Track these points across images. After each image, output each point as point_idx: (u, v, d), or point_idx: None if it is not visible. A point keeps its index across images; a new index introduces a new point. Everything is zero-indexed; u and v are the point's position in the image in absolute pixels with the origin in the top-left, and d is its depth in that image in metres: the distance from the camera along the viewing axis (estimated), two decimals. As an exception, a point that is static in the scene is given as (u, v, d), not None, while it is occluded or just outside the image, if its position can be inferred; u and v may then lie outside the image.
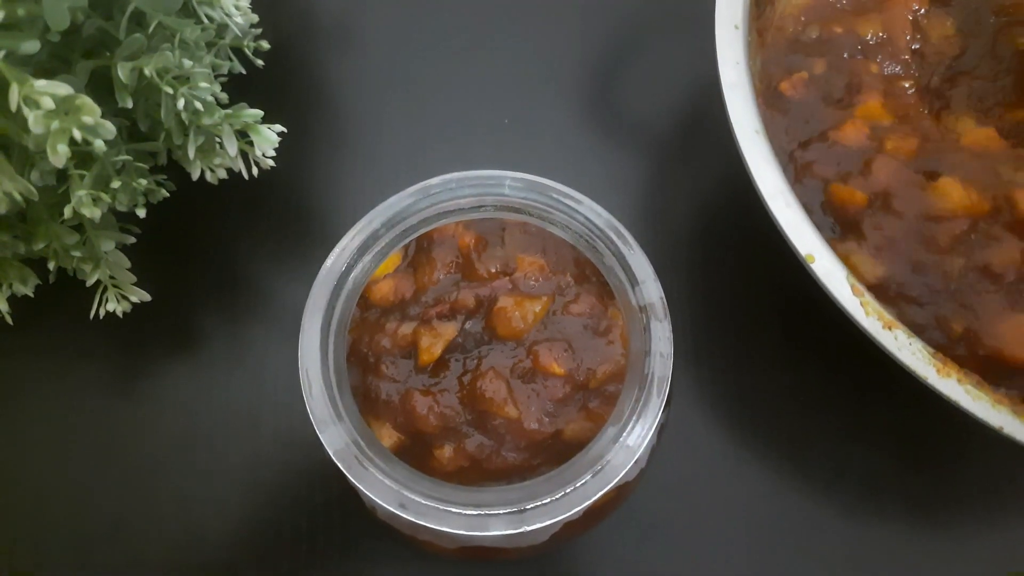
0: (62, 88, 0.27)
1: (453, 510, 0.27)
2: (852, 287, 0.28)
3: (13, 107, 0.27)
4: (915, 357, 0.28)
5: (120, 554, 0.36)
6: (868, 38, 0.37)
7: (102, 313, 0.36)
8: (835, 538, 0.37)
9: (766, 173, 0.30)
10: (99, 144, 0.27)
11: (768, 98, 0.35)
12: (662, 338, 0.29)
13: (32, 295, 0.36)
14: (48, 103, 0.27)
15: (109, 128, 0.28)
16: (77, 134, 0.27)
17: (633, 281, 0.30)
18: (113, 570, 0.36)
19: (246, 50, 0.39)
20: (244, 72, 0.39)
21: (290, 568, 0.36)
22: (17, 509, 0.37)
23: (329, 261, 0.31)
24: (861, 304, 0.28)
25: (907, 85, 0.37)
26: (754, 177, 0.30)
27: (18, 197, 0.29)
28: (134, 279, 0.37)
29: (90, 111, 0.27)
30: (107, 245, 0.35)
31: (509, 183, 0.32)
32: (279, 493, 0.37)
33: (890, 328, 0.28)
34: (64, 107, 0.27)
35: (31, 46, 0.28)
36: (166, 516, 0.37)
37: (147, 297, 0.37)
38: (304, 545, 0.37)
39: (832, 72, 0.37)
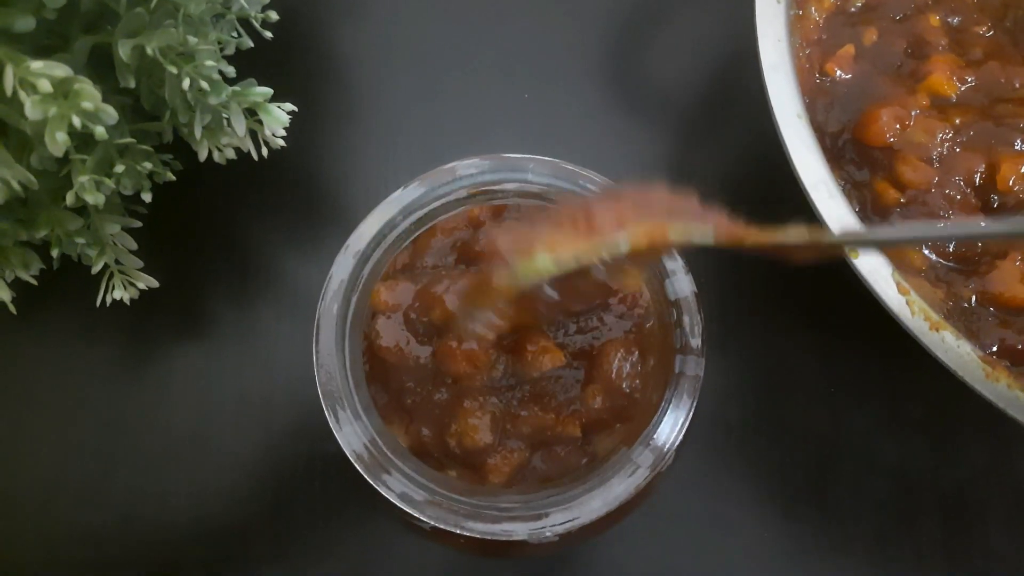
0: (59, 69, 0.25)
1: (473, 515, 0.26)
2: (898, 285, 0.27)
3: (8, 90, 0.25)
4: (962, 360, 0.26)
5: (131, 546, 0.36)
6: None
7: (108, 300, 0.35)
8: (865, 533, 0.36)
9: (808, 161, 0.28)
10: (100, 131, 0.26)
11: (810, 78, 0.33)
12: (695, 335, 0.28)
13: (36, 282, 0.35)
14: (45, 86, 0.25)
15: (110, 113, 0.26)
16: (76, 120, 0.25)
17: (664, 273, 0.29)
18: (124, 562, 0.36)
19: (254, 22, 0.37)
20: (252, 45, 0.38)
21: (304, 558, 0.36)
22: (25, 502, 0.36)
23: (344, 251, 0.29)
24: (907, 303, 0.26)
25: (982, 31, 0.35)
26: (795, 165, 0.28)
27: (16, 186, 0.28)
28: (141, 264, 0.36)
29: (89, 96, 0.25)
30: (112, 228, 0.34)
31: (533, 168, 0.30)
32: (293, 482, 0.37)
33: (937, 329, 0.26)
34: (62, 89, 0.26)
35: (25, 23, 0.26)
36: (178, 507, 0.36)
37: (154, 283, 0.36)
38: (319, 534, 0.36)
39: (887, 38, 0.35)
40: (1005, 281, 0.31)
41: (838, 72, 0.34)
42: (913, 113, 0.32)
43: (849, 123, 0.33)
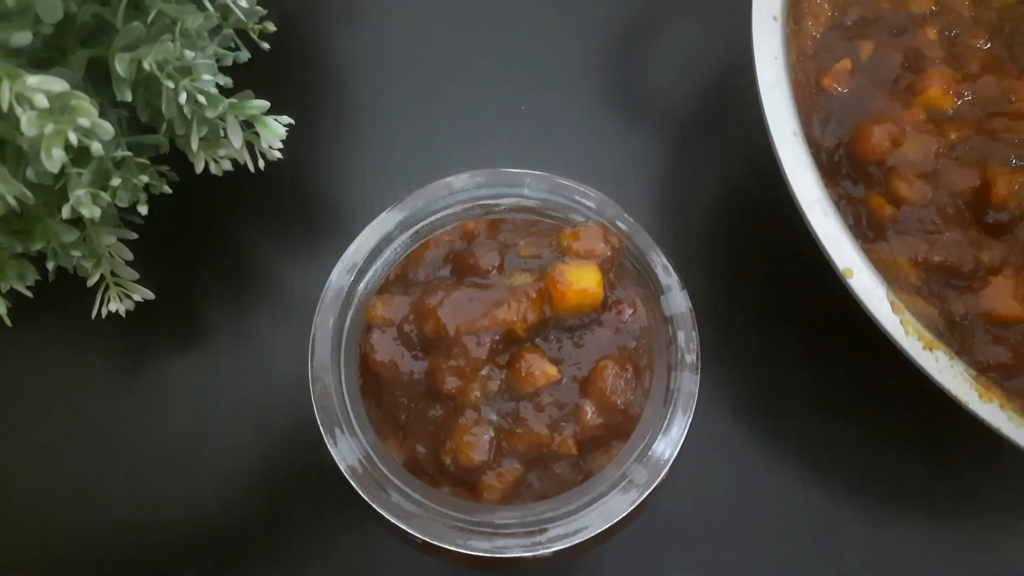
0: (56, 84, 0.25)
1: (468, 531, 0.26)
2: (892, 304, 0.27)
3: (4, 105, 0.25)
4: (956, 380, 0.26)
5: (127, 553, 0.36)
6: (920, 13, 0.36)
7: (104, 312, 0.35)
8: (858, 545, 0.36)
9: (803, 179, 0.28)
10: (96, 146, 0.26)
11: (806, 93, 0.33)
12: (690, 351, 0.28)
13: (31, 294, 0.35)
14: (42, 101, 0.25)
15: (107, 128, 0.26)
16: (73, 136, 0.25)
17: (659, 289, 0.29)
18: (120, 569, 0.36)
19: (251, 33, 0.37)
20: (249, 57, 0.38)
21: (298, 567, 0.36)
22: (23, 511, 0.36)
23: (340, 264, 0.29)
24: (901, 323, 0.26)
25: (978, 44, 0.35)
26: (791, 184, 0.28)
27: (12, 201, 0.28)
28: (136, 276, 0.36)
29: (86, 112, 0.25)
30: (108, 240, 0.34)
31: (529, 183, 0.30)
32: (288, 491, 0.37)
33: (931, 349, 0.26)
34: (59, 105, 0.26)
35: (22, 38, 0.26)
36: (174, 515, 0.36)
37: (150, 295, 0.36)
38: (313, 543, 0.36)
39: (884, 52, 0.35)
40: (998, 296, 0.31)
41: (835, 86, 0.34)
42: (906, 129, 0.32)
43: (845, 138, 0.33)
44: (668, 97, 0.44)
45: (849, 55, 0.35)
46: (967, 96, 0.35)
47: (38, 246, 0.32)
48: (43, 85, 0.25)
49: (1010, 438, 0.26)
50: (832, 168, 0.33)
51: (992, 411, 0.27)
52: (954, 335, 0.31)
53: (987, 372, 0.30)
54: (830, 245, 0.28)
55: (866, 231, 0.32)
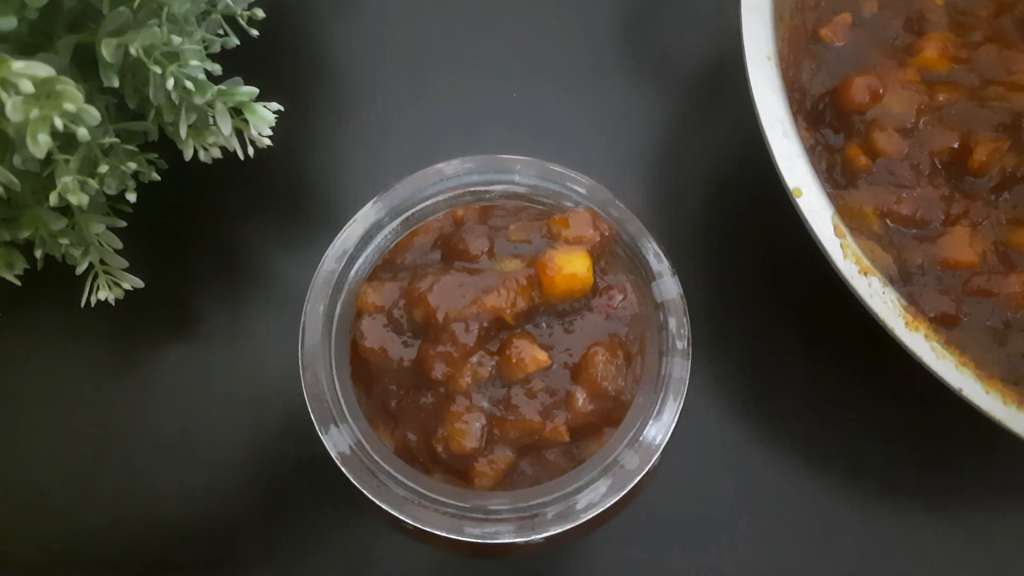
0: (42, 69, 0.25)
1: (461, 517, 0.26)
2: (835, 227, 0.27)
3: (-11, 91, 0.25)
4: (886, 306, 0.27)
5: (121, 545, 0.36)
6: None
7: (93, 301, 0.34)
8: (850, 534, 0.36)
9: (769, 100, 0.29)
10: (83, 132, 0.26)
11: (801, 38, 0.33)
12: (681, 337, 0.28)
13: (19, 282, 0.34)
14: (27, 86, 0.25)
15: (93, 114, 0.26)
16: (59, 122, 0.25)
17: (650, 276, 0.29)
18: (114, 562, 0.36)
19: (240, 19, 0.37)
20: (238, 43, 0.37)
21: (292, 557, 0.36)
22: (14, 503, 0.36)
23: (330, 251, 0.29)
24: (841, 246, 0.27)
25: (986, 15, 0.35)
26: (756, 101, 0.29)
27: (-2, 187, 0.28)
28: (126, 264, 0.35)
29: (72, 97, 0.25)
30: (96, 228, 0.34)
31: (519, 169, 0.30)
32: (281, 482, 0.37)
33: (866, 274, 0.27)
34: (44, 90, 0.25)
35: (7, 23, 0.26)
36: (167, 508, 0.36)
37: (140, 283, 0.35)
38: (307, 533, 0.36)
39: (887, 12, 0.35)
40: (955, 244, 0.32)
41: (831, 37, 0.34)
42: (890, 83, 0.32)
43: (832, 88, 0.33)
44: (662, 86, 0.44)
45: (851, 10, 0.35)
46: (965, 61, 0.35)
47: (26, 234, 0.32)
48: (28, 70, 0.25)
49: (930, 367, 0.27)
50: (816, 116, 0.33)
51: (917, 340, 0.27)
52: (906, 285, 0.31)
53: (932, 324, 0.30)
54: (783, 164, 0.28)
55: (838, 178, 0.32)
